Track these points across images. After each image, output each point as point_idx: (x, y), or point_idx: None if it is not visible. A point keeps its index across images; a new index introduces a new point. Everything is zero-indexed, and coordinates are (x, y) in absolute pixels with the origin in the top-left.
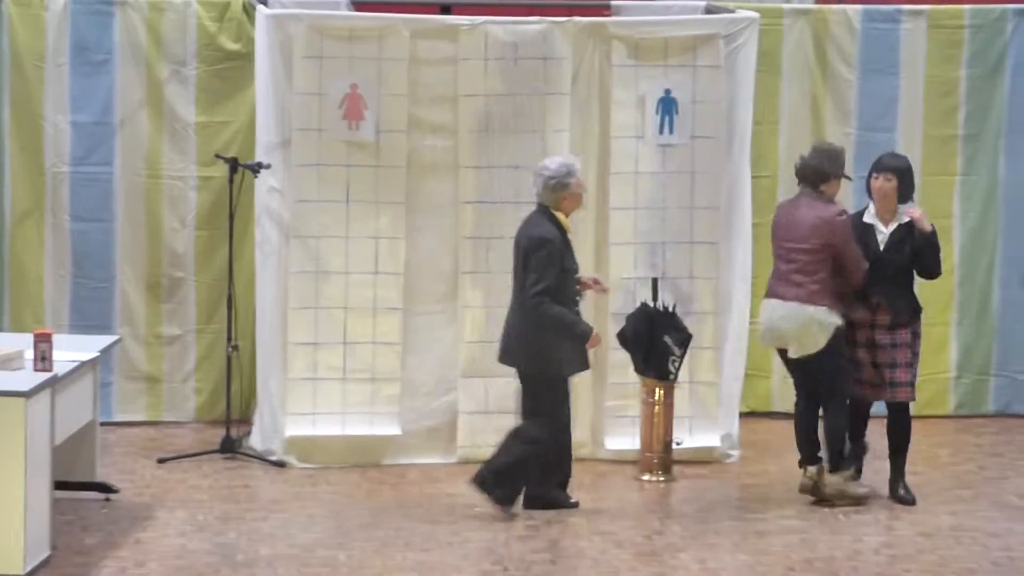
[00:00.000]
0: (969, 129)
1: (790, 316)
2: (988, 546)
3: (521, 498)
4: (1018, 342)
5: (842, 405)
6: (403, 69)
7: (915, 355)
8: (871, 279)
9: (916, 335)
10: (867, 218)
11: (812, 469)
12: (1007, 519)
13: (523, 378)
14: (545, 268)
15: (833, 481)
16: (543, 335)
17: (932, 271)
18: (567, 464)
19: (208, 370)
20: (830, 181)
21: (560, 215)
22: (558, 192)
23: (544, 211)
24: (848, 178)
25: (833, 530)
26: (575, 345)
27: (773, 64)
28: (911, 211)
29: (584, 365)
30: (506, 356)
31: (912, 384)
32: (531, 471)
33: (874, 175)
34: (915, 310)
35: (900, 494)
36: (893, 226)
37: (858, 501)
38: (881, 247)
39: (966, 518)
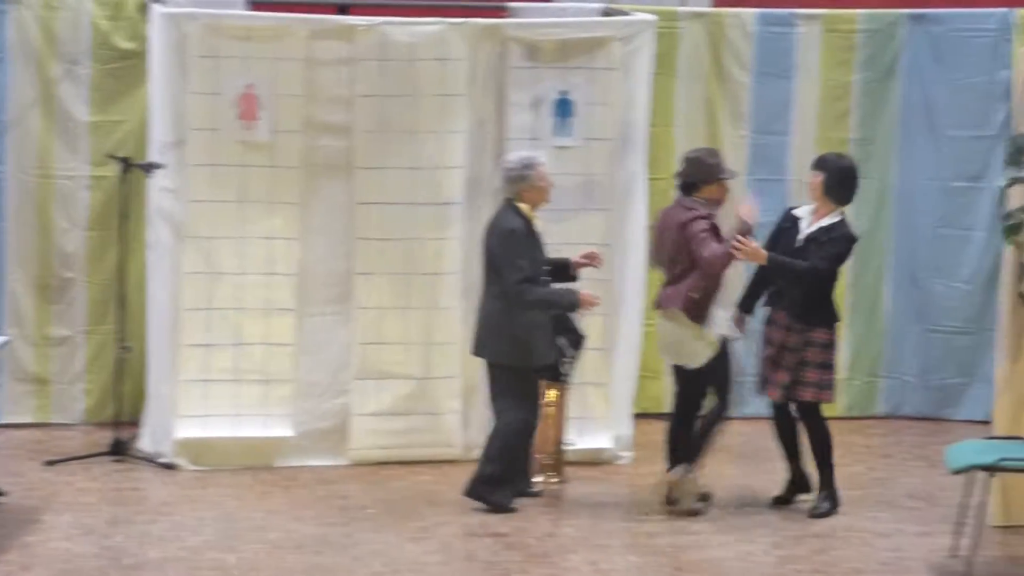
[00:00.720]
0: (862, 133)
1: (663, 325)
2: (876, 546)
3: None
4: (908, 344)
5: (719, 415)
6: (299, 69)
7: (820, 358)
8: (779, 275)
9: (814, 341)
10: (798, 211)
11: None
12: (895, 519)
13: (494, 369)
14: (518, 257)
15: (675, 479)
16: (518, 326)
17: (798, 275)
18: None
19: (98, 372)
20: (704, 187)
21: (524, 206)
22: (517, 184)
23: (508, 204)
24: (723, 179)
25: (722, 530)
26: (545, 335)
27: (669, 67)
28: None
29: (549, 356)
30: (480, 349)
31: (815, 384)
32: (518, 463)
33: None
34: (819, 314)
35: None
36: (815, 227)
37: (693, 510)
38: (796, 244)
39: (855, 519)
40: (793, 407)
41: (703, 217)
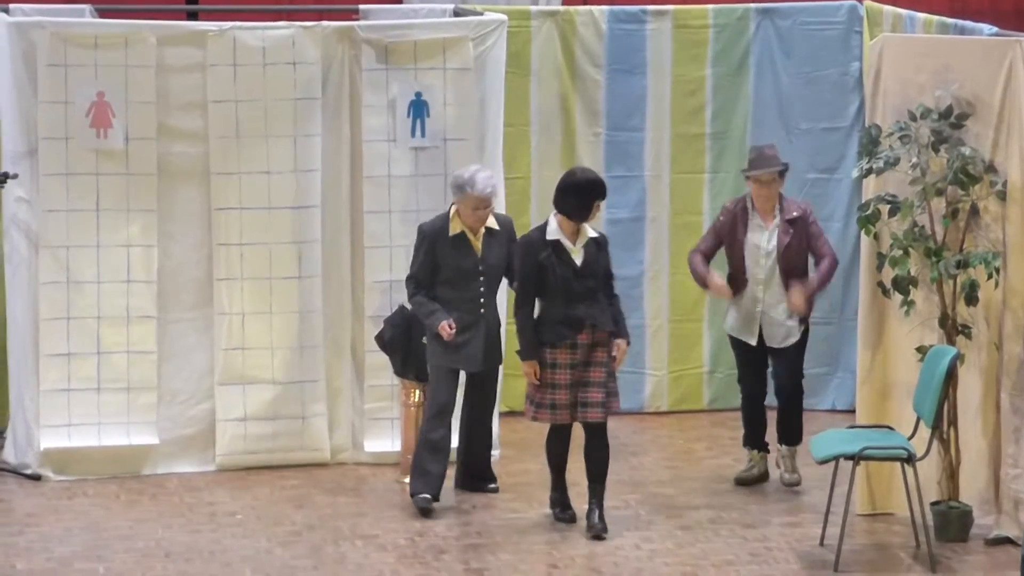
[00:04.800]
0: (716, 127)
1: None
2: (746, 537)
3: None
4: None
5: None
6: (150, 76)
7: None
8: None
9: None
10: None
11: None
12: (763, 511)
13: None
14: (415, 255)
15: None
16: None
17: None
18: (469, 459)
19: None
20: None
21: (453, 214)
22: (454, 194)
23: (448, 210)
24: (746, 175)
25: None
26: (439, 339)
27: (522, 66)
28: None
29: (450, 360)
30: None
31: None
32: (417, 455)
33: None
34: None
35: (595, 526)
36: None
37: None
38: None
39: (723, 511)
40: None
41: (721, 214)
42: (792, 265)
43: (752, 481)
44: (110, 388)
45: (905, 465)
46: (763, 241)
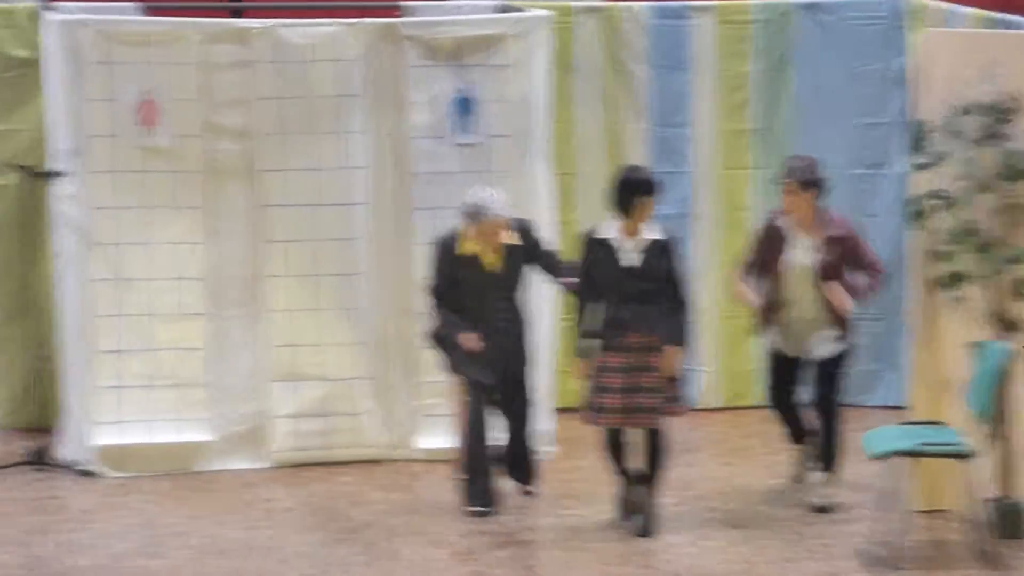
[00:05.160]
0: (760, 123)
1: None
2: (803, 534)
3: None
4: None
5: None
6: (195, 73)
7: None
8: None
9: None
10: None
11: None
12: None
13: None
14: (431, 268)
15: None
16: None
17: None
18: (505, 460)
19: (11, 380)
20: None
21: (460, 235)
22: (465, 221)
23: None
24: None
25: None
26: (458, 349)
27: (566, 62)
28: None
29: (471, 372)
30: None
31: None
32: (476, 466)
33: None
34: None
35: (642, 524)
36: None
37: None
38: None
39: (779, 507)
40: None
41: (762, 224)
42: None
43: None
44: (161, 385)
45: (960, 461)
46: (802, 257)
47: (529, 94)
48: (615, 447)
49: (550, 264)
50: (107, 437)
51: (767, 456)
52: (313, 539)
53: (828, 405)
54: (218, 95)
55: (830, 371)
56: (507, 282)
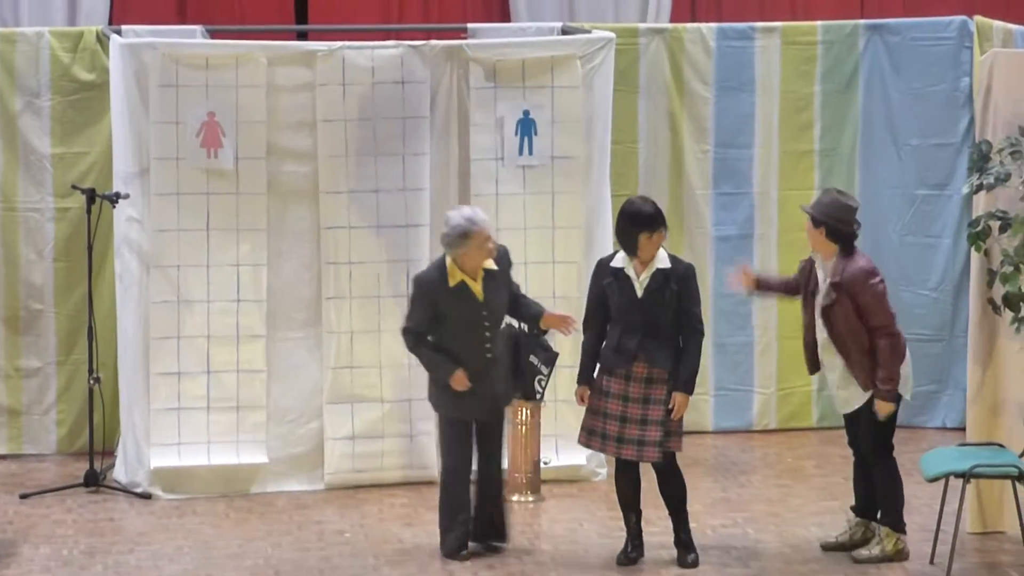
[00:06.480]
0: (824, 144)
1: None
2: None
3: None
4: None
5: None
6: (261, 96)
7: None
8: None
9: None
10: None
11: None
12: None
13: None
14: (412, 305)
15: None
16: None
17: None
18: (479, 510)
19: (69, 402)
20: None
21: (450, 264)
22: (454, 248)
23: (441, 260)
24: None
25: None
26: (449, 389)
27: (630, 83)
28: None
29: (461, 411)
30: None
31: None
32: (442, 512)
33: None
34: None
35: (684, 557)
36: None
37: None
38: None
39: (833, 528)
40: None
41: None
42: (838, 334)
43: (832, 548)
44: (219, 407)
45: (1016, 483)
46: (819, 298)
47: (592, 116)
48: (627, 482)
49: (517, 298)
50: (164, 459)
51: (821, 478)
52: (366, 561)
53: (870, 459)
54: (283, 117)
55: (864, 426)
56: (493, 313)
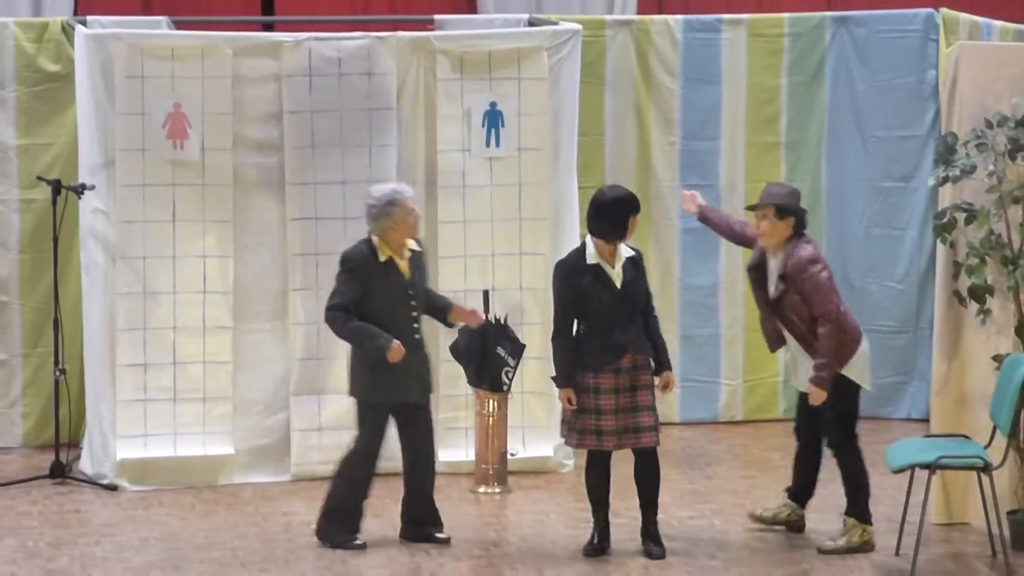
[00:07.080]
0: (791, 136)
1: None
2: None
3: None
4: None
5: None
6: (226, 87)
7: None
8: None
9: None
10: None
11: None
12: (838, 519)
13: None
14: (340, 283)
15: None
16: (352, 356)
17: None
18: (413, 504)
19: (35, 395)
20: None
21: (378, 241)
22: (380, 221)
23: (367, 238)
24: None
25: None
26: (380, 371)
27: (597, 75)
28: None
29: (392, 393)
30: None
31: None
32: (336, 501)
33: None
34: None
35: (651, 548)
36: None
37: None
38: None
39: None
40: None
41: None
42: (790, 322)
43: (767, 522)
44: (186, 398)
45: (981, 474)
46: (771, 289)
47: (559, 108)
48: (602, 475)
49: (427, 291)
50: (130, 451)
51: (787, 469)
52: (333, 552)
53: (833, 447)
54: (249, 109)
55: (828, 411)
56: (418, 293)
